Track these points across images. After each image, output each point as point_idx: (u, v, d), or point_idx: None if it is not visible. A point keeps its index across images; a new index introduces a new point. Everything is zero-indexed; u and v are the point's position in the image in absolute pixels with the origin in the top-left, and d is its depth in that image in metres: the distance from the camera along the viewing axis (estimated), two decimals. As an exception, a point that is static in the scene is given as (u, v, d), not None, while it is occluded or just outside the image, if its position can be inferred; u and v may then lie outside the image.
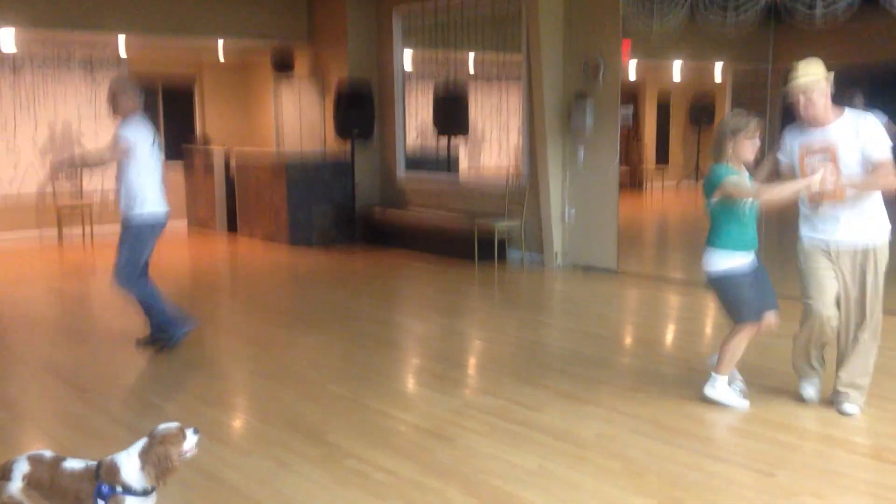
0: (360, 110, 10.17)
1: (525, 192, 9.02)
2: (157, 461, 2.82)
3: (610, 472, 3.75)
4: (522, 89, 9.19)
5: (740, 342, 4.47)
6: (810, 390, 4.55)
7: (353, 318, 6.87)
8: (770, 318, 4.48)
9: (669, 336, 6.50)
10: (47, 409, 4.79)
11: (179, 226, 12.13)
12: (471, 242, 9.07)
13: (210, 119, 12.78)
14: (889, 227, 4.32)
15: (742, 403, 4.50)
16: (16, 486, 2.84)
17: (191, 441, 2.90)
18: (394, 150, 10.88)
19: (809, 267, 4.32)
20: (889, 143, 4.15)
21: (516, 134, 13.17)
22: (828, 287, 4.26)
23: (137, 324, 6.10)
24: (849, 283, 4.27)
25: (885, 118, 10.45)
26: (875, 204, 4.26)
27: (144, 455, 2.85)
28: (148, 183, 5.62)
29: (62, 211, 11.12)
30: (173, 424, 2.93)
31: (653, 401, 4.63)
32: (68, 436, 4.24)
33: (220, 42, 11.45)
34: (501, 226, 8.95)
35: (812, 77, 4.11)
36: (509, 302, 7.74)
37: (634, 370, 5.34)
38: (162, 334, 5.78)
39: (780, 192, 4.26)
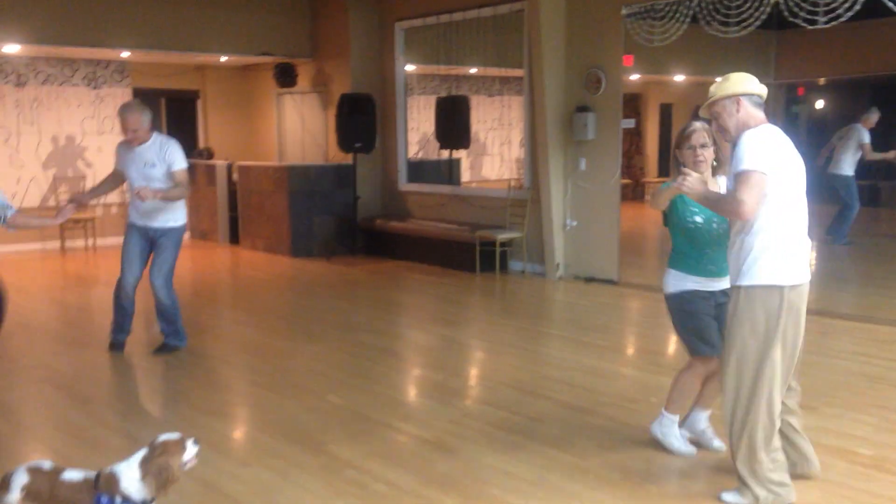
0: (363, 123, 10.21)
1: (527, 203, 9.03)
2: (158, 472, 2.82)
3: (610, 483, 3.74)
4: (524, 102, 9.22)
5: (689, 379, 4.00)
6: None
7: (353, 329, 6.88)
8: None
9: (670, 347, 6.48)
10: (47, 418, 4.79)
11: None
12: (472, 253, 9.07)
13: (213, 132, 12.83)
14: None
15: (686, 450, 4.01)
16: (14, 497, 2.84)
17: (191, 452, 2.91)
18: (395, 161, 10.91)
19: None
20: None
21: (517, 147, 13.24)
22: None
23: (137, 335, 6.12)
24: None
25: (868, 137, 10.48)
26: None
27: (145, 465, 2.85)
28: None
29: (65, 224, 11.15)
30: (174, 435, 2.94)
31: (654, 411, 4.59)
32: (68, 446, 4.24)
33: (223, 58, 11.52)
34: (503, 237, 8.96)
35: (712, 101, 3.51)
36: (510, 312, 7.73)
37: (636, 381, 5.33)
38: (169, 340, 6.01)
39: (655, 200, 3.90)
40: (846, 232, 10.31)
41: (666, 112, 16.80)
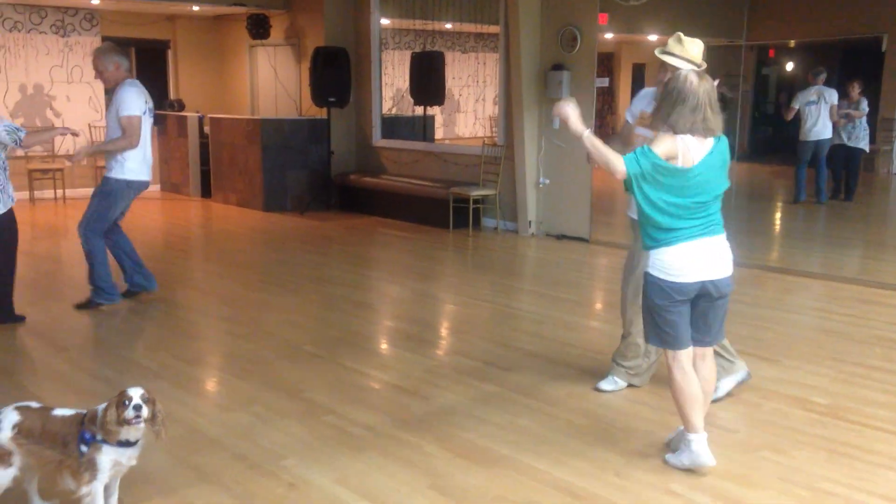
0: (336, 77, 10.17)
1: (500, 160, 9.11)
2: (100, 422, 2.87)
3: (578, 428, 3.90)
4: (500, 59, 9.24)
5: (676, 388, 3.44)
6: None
7: (328, 282, 6.96)
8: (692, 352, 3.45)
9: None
10: (27, 365, 4.84)
11: (153, 190, 12.06)
12: (446, 210, 9.16)
13: (184, 83, 12.68)
14: None
15: (707, 460, 3.42)
16: (5, 434, 2.89)
17: (130, 412, 2.82)
18: (370, 117, 10.90)
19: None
20: None
21: (491, 104, 13.25)
22: None
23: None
24: None
25: (836, 96, 10.71)
26: None
27: (103, 414, 2.87)
28: (132, 150, 5.66)
29: (34, 174, 11.03)
30: (136, 389, 2.88)
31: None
32: (48, 391, 4.30)
33: (195, 7, 11.34)
34: (476, 193, 9.05)
35: (685, 64, 3.75)
36: (483, 268, 7.86)
37: (603, 333, 5.49)
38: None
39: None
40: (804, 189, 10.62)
41: (639, 72, 16.87)
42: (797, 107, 10.41)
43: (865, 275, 7.17)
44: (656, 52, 3.96)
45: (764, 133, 16.23)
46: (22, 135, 5.22)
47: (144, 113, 5.69)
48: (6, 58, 10.88)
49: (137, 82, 5.80)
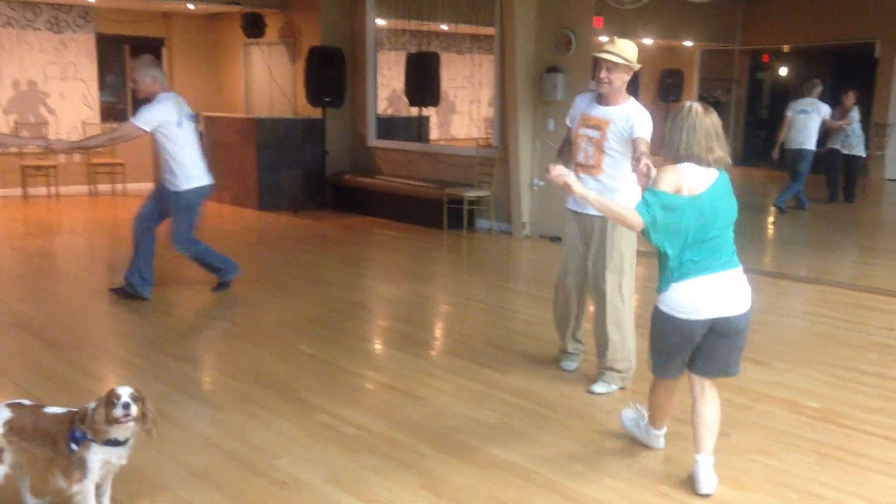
0: (332, 77, 10.17)
1: (495, 162, 9.12)
2: (90, 422, 2.86)
3: (572, 430, 3.91)
4: (495, 61, 9.25)
5: (653, 393, 3.59)
6: (568, 364, 4.70)
7: (322, 282, 6.95)
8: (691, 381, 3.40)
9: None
10: (18, 362, 4.82)
11: (146, 189, 12.03)
12: (440, 211, 9.16)
13: (178, 81, 12.63)
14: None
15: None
16: None
17: (119, 410, 2.82)
18: (365, 117, 10.90)
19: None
20: (649, 133, 4.15)
21: (486, 106, 13.26)
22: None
23: (104, 281, 6.13)
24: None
25: (828, 109, 10.79)
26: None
27: (93, 413, 2.87)
28: (186, 159, 5.85)
29: (27, 171, 10.99)
30: (124, 389, 2.88)
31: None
32: (40, 388, 4.28)
33: (190, 6, 11.32)
34: (470, 195, 9.06)
35: (623, 62, 4.15)
36: (477, 269, 7.87)
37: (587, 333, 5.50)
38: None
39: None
40: (787, 198, 10.69)
41: (634, 75, 16.91)
42: (790, 114, 10.45)
43: (859, 279, 7.21)
44: (594, 54, 4.27)
45: (758, 137, 16.28)
46: None
47: (180, 123, 5.80)
48: (0, 54, 10.84)
49: (173, 95, 5.90)
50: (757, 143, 16.11)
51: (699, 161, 3.20)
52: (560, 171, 3.36)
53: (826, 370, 4.80)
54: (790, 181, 10.60)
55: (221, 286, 6.34)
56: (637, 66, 4.23)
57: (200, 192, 6.02)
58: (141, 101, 5.97)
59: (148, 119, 5.71)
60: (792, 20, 14.78)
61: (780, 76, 17.03)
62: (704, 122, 3.21)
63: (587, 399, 4.31)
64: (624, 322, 4.41)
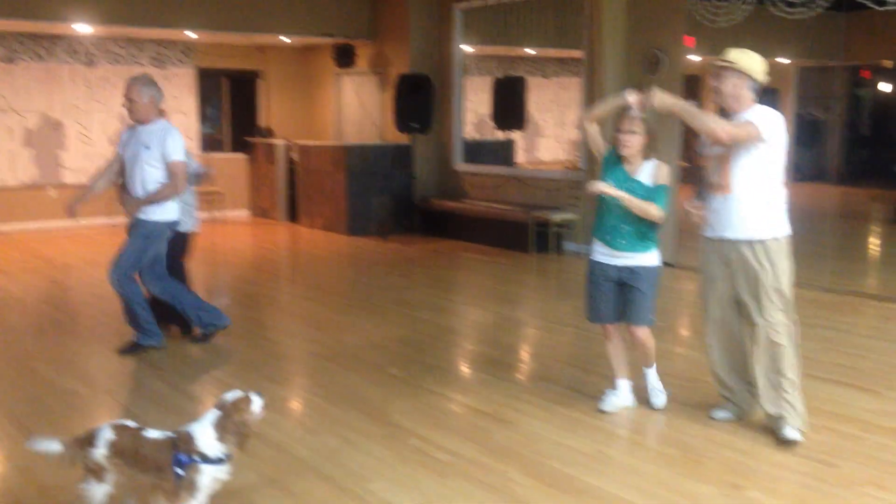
0: (420, 103, 10.31)
1: (582, 185, 9.02)
2: (237, 430, 2.96)
3: (668, 459, 3.80)
4: (582, 83, 9.19)
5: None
6: (720, 413, 4.24)
7: (410, 305, 7.00)
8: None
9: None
10: (122, 383, 5.02)
11: (243, 215, 12.48)
12: (527, 234, 9.12)
13: (273, 111, 13.06)
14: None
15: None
16: (100, 452, 2.95)
17: (257, 404, 3.04)
18: (451, 142, 10.99)
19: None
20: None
21: (571, 128, 13.19)
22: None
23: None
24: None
25: None
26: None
27: (222, 425, 2.98)
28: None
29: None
30: (238, 392, 3.06)
31: (712, 390, 4.64)
32: (142, 408, 4.44)
33: (285, 39, 11.71)
34: (558, 218, 8.99)
35: (726, 63, 4.03)
36: (565, 292, 7.77)
37: (692, 361, 5.35)
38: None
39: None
40: None
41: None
42: None
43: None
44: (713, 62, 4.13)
45: (860, 156, 15.61)
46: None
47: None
48: (107, 89, 11.43)
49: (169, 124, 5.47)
50: (859, 161, 15.45)
51: None
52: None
53: (942, 400, 4.52)
54: None
55: (134, 348, 5.40)
56: (742, 68, 3.99)
57: (167, 226, 5.40)
58: (134, 126, 5.37)
59: (183, 149, 5.32)
60: (894, 35, 14.16)
61: (881, 92, 16.33)
62: None
63: (683, 427, 4.17)
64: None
